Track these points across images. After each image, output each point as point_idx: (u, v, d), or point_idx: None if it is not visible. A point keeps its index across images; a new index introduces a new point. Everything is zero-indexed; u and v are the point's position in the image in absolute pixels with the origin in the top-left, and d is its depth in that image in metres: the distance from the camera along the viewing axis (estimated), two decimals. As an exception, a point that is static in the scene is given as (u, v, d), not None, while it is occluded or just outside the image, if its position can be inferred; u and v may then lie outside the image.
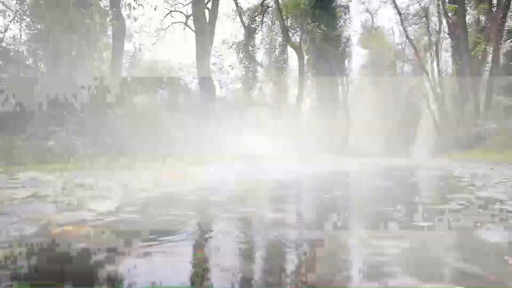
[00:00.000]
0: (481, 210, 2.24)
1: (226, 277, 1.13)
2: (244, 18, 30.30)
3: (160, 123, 13.46)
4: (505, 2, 22.32)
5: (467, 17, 26.67)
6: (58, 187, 3.41)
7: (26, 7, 13.57)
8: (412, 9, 35.45)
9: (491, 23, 23.24)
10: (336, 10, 36.35)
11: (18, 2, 13.44)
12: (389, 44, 44.11)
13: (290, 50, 34.36)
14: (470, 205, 2.38)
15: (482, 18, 27.42)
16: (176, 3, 24.69)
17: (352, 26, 42.19)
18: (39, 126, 10.62)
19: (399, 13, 33.77)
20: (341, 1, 37.30)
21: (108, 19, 14.99)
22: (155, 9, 19.18)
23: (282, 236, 1.65)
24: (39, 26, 13.33)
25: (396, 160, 16.95)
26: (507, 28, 24.14)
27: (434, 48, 34.99)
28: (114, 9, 14.53)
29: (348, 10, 38.75)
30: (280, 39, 33.66)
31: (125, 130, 12.62)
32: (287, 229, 1.84)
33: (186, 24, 24.18)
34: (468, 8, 27.56)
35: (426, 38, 35.98)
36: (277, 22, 31.70)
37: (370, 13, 43.83)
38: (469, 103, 22.94)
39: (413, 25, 36.44)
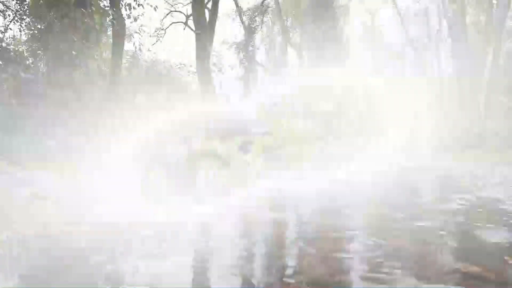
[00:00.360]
0: (481, 210, 2.24)
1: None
2: (244, 18, 30.26)
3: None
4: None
5: (467, 17, 26.63)
6: (58, 187, 3.41)
7: (26, 7, 13.53)
8: (412, 9, 35.39)
9: (491, 23, 23.24)
10: (336, 10, 36.30)
11: (18, 2, 13.41)
12: (389, 44, 43.99)
13: (290, 50, 34.34)
14: (470, 205, 2.38)
15: (482, 18, 27.41)
16: (176, 3, 24.71)
17: (352, 26, 42.00)
18: (39, 126, 10.61)
19: (399, 13, 33.74)
20: (341, 1, 37.27)
21: (108, 19, 14.97)
22: (155, 9, 19.16)
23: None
24: (39, 26, 13.31)
25: (396, 160, 16.95)
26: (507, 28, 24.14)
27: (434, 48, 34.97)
28: (114, 9, 14.51)
29: (348, 10, 38.72)
30: (280, 39, 33.63)
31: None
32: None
33: (186, 24, 24.17)
34: (468, 8, 27.54)
35: (426, 38, 35.94)
36: (277, 22, 31.69)
37: (370, 13, 43.76)
38: (469, 103, 22.93)
39: (413, 25, 36.38)
